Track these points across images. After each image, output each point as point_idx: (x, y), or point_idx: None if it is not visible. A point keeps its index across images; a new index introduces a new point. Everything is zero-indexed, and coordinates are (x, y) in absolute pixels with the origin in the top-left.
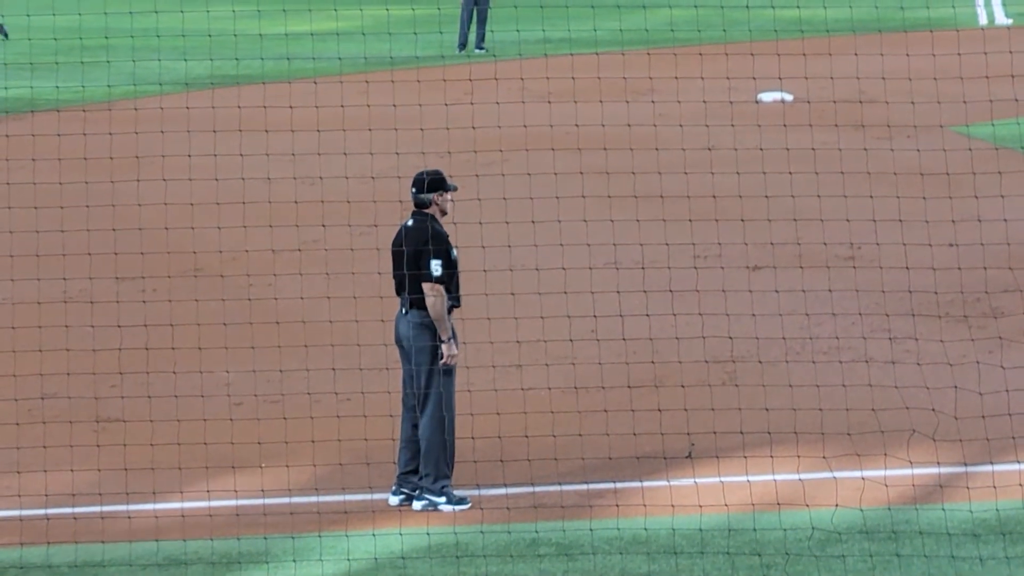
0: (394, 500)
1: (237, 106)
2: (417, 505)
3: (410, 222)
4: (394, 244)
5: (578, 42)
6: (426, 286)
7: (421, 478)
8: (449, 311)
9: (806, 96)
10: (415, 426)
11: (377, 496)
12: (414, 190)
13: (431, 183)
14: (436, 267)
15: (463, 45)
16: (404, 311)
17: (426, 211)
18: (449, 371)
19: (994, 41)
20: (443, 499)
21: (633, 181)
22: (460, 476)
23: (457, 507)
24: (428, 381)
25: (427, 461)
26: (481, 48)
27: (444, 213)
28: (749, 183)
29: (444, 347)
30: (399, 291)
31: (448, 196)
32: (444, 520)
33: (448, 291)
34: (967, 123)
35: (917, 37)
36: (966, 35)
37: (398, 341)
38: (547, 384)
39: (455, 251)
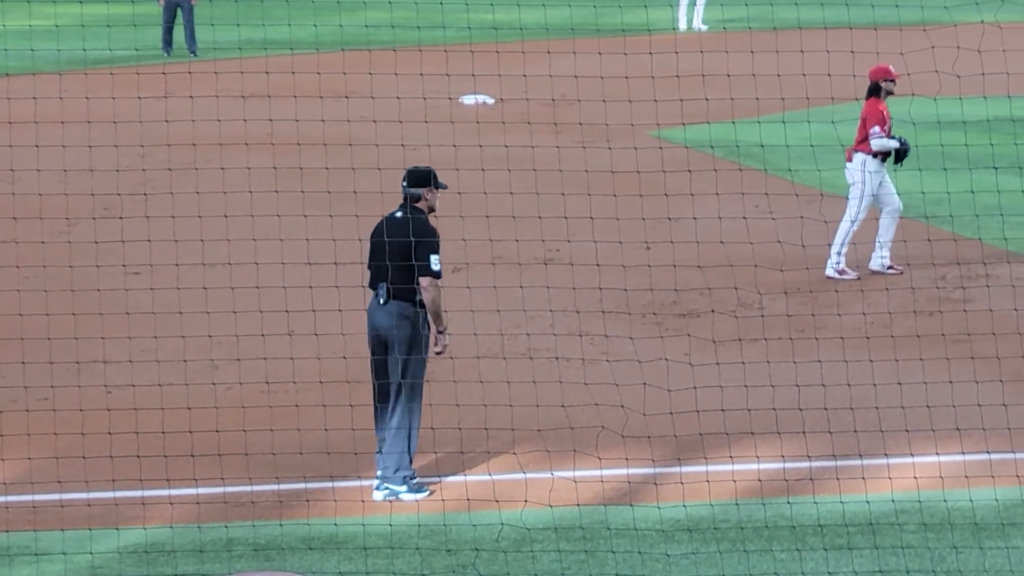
0: (379, 495)
1: None
2: (378, 495)
3: (399, 214)
4: (375, 235)
5: (273, 42)
6: (426, 280)
7: (384, 467)
8: None
9: (504, 96)
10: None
11: (66, 495)
12: (406, 183)
13: (423, 177)
14: (436, 262)
15: (168, 45)
16: (382, 301)
17: (417, 205)
18: (424, 362)
19: (686, 44)
20: (404, 488)
21: (327, 177)
22: (153, 471)
23: (418, 495)
24: (411, 371)
25: (393, 450)
26: (193, 53)
27: (432, 209)
28: (443, 180)
29: (444, 337)
30: (376, 281)
31: (437, 193)
32: (134, 519)
33: None
34: (658, 124)
35: (611, 42)
36: (659, 40)
37: (374, 331)
38: (239, 380)
39: None
